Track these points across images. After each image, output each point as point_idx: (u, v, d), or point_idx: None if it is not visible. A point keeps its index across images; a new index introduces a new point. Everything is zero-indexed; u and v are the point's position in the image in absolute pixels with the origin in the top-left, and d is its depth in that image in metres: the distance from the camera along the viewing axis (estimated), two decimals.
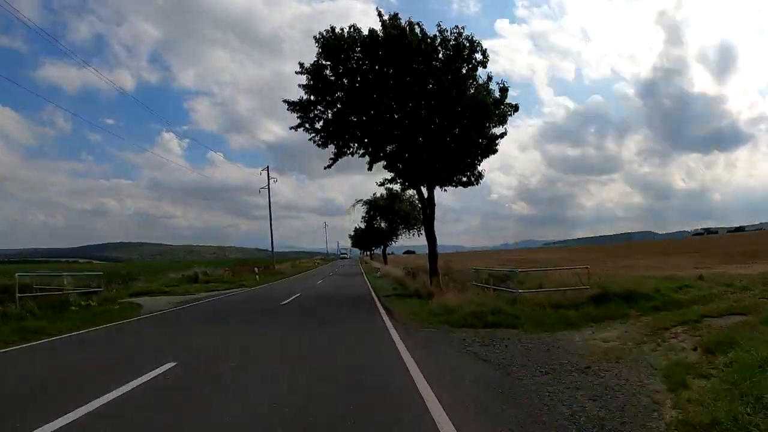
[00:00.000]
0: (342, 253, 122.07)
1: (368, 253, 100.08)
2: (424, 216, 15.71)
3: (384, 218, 42.87)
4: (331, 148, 14.95)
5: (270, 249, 42.73)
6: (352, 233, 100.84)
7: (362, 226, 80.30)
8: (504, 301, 9.47)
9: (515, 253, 66.67)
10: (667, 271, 16.98)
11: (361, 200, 42.70)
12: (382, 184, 16.93)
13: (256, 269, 26.55)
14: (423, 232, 40.33)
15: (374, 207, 42.17)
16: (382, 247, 50.25)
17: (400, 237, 44.20)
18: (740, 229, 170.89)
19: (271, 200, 40.49)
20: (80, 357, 6.55)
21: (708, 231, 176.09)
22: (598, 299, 9.12)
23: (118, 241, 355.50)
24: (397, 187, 17.52)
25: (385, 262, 42.29)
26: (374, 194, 42.53)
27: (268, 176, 40.61)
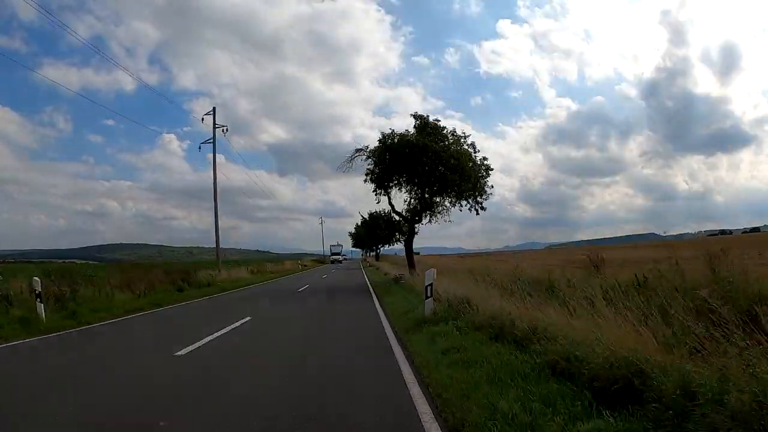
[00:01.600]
0: (334, 253, 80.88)
1: (372, 252, 77.20)
2: None
3: (407, 177, 18.48)
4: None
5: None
6: (353, 231, 78.94)
7: (365, 216, 58.01)
8: None
9: (555, 254, 49.01)
10: None
11: (366, 148, 19.07)
12: None
13: (36, 280, 8.81)
14: (480, 207, 19.61)
15: (392, 151, 17.83)
16: (404, 240, 23.50)
17: (432, 220, 19.98)
18: (755, 230, 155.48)
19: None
20: None
21: (722, 232, 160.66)
22: None
23: (118, 242, 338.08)
24: None
25: (411, 266, 19.82)
26: (391, 130, 18.47)
27: (214, 124, 23.43)
